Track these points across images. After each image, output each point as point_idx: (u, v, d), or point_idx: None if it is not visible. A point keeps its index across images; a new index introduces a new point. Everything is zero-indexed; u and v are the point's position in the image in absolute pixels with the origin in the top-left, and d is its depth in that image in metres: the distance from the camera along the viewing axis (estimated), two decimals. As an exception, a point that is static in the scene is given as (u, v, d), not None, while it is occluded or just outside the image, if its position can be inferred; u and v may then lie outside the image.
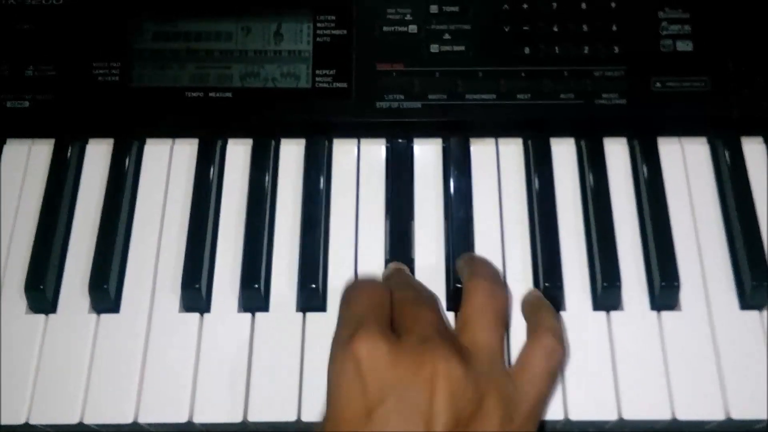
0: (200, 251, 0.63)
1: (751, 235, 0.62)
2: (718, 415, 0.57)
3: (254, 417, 0.58)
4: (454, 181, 0.66)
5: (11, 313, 0.62)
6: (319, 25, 0.69)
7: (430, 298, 0.56)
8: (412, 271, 0.63)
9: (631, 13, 0.69)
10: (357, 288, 0.55)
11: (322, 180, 0.66)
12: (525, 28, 0.68)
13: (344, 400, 0.48)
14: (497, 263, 0.63)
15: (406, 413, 0.46)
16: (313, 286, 0.61)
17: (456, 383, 0.47)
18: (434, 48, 0.68)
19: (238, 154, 0.68)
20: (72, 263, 0.63)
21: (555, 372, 0.54)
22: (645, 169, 0.65)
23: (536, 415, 0.52)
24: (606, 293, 0.60)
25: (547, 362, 0.53)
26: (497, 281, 0.56)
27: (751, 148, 0.66)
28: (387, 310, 0.53)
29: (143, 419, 0.58)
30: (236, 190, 0.66)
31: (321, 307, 0.62)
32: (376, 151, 0.68)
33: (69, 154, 0.67)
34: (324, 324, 0.61)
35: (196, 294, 0.61)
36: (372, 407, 0.47)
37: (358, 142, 0.68)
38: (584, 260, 0.63)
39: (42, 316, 0.62)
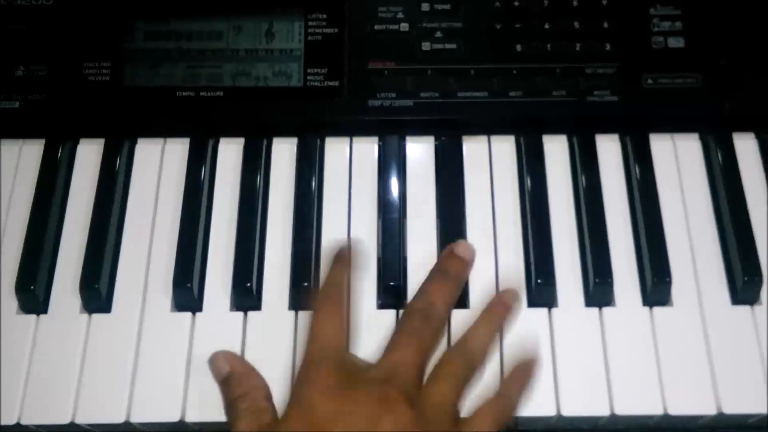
0: (192, 250, 0.63)
1: (742, 230, 0.62)
2: (710, 410, 0.57)
3: (246, 415, 0.58)
4: (446, 179, 0.66)
5: (2, 314, 0.61)
6: (310, 23, 0.69)
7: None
8: (405, 269, 0.63)
9: (622, 10, 0.69)
10: (321, 311, 0.57)
11: (314, 179, 0.66)
12: (517, 25, 0.68)
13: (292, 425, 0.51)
14: (489, 260, 0.63)
15: None
16: (306, 284, 0.61)
17: (402, 424, 0.50)
18: (426, 46, 0.68)
19: (229, 153, 0.67)
20: (63, 263, 0.63)
21: (501, 424, 0.55)
22: (637, 166, 0.65)
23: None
24: (598, 289, 0.60)
25: (493, 418, 0.54)
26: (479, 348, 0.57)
27: (743, 144, 0.66)
28: (343, 340, 0.58)
29: (135, 418, 0.58)
30: (228, 189, 0.66)
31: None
32: (368, 149, 0.68)
33: (60, 154, 0.67)
34: (316, 322, 0.60)
35: (187, 293, 0.61)
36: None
37: (350, 140, 0.68)
38: (576, 257, 0.63)
39: (33, 317, 0.61)
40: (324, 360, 0.54)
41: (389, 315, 0.61)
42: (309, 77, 0.67)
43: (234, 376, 0.57)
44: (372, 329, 0.60)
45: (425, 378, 0.55)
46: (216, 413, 0.58)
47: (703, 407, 0.57)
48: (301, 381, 0.54)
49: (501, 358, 0.59)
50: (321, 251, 0.63)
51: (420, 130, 0.68)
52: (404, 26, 0.69)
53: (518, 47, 0.68)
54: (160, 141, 0.68)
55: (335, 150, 0.68)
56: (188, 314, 0.61)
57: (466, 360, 0.56)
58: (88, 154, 0.68)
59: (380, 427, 0.49)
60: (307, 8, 0.69)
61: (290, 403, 0.53)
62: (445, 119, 0.67)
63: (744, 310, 0.60)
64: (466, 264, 0.60)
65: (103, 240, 0.63)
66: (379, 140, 0.68)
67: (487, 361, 0.57)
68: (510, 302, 0.60)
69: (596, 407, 0.57)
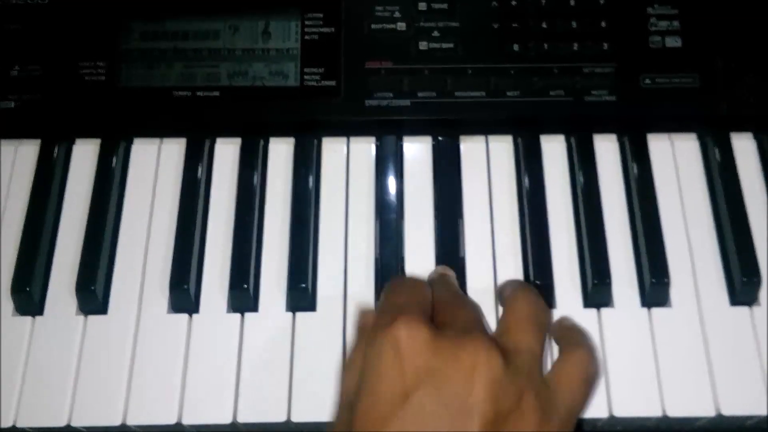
0: (188, 251, 0.62)
1: (741, 231, 0.62)
2: (708, 412, 0.57)
3: (244, 418, 0.58)
4: (444, 179, 0.65)
5: (-2, 316, 0.61)
6: (307, 23, 0.68)
7: (472, 302, 0.57)
8: (402, 270, 0.63)
9: (620, 9, 0.68)
10: (400, 281, 0.55)
11: (311, 179, 0.65)
12: (514, 25, 0.68)
13: (381, 382, 0.47)
14: (488, 261, 0.63)
15: (443, 400, 0.45)
16: (303, 285, 0.61)
17: (496, 377, 0.46)
18: (423, 45, 0.68)
19: (226, 153, 0.67)
20: (59, 264, 0.63)
21: (590, 383, 0.53)
22: (635, 166, 0.65)
23: (571, 422, 0.51)
24: (596, 290, 0.60)
25: (582, 372, 0.52)
26: (540, 296, 0.56)
27: (741, 144, 0.66)
28: (428, 304, 0.53)
29: (132, 421, 0.58)
30: (225, 189, 0.66)
31: (311, 306, 0.61)
32: (365, 149, 0.67)
33: (56, 155, 0.67)
34: (314, 324, 0.60)
35: (184, 295, 0.61)
36: (409, 391, 0.46)
37: (348, 140, 0.68)
38: (575, 257, 0.62)
39: (29, 318, 0.61)
40: (407, 305, 0.50)
41: (387, 316, 0.61)
42: (306, 77, 0.67)
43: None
44: (370, 330, 0.60)
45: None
46: (213, 415, 0.58)
47: (702, 409, 0.57)
48: (382, 325, 0.49)
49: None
50: (318, 252, 0.63)
51: (417, 130, 0.68)
52: (401, 25, 0.68)
53: (515, 47, 0.68)
54: (156, 141, 0.68)
55: (332, 150, 0.67)
56: (185, 316, 0.61)
57: (534, 301, 0.55)
58: (84, 155, 0.67)
59: (476, 377, 0.46)
60: (303, 8, 0.68)
61: (375, 347, 0.48)
62: (443, 119, 0.66)
63: (742, 311, 0.60)
64: None
65: (100, 241, 0.63)
66: (377, 140, 0.68)
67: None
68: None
69: (594, 409, 0.57)
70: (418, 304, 0.51)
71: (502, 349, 0.48)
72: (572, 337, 0.56)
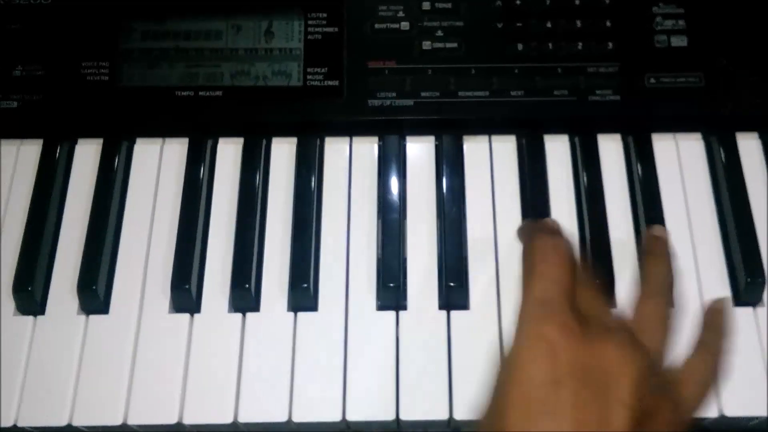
0: (190, 251, 0.62)
1: (745, 231, 0.61)
2: (711, 413, 0.57)
3: (245, 418, 0.58)
4: (446, 179, 0.65)
5: (0, 315, 0.61)
6: (310, 22, 0.68)
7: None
8: (405, 270, 0.62)
9: (625, 8, 0.68)
10: (552, 251, 0.52)
11: (313, 179, 0.65)
12: (518, 24, 0.68)
13: (534, 370, 0.46)
14: (490, 261, 0.62)
15: (592, 393, 0.45)
16: (305, 285, 0.61)
17: (642, 374, 0.46)
18: (426, 45, 0.68)
19: (228, 153, 0.67)
20: (61, 264, 0.63)
21: (713, 386, 0.53)
22: (639, 166, 0.65)
23: (690, 420, 0.51)
24: (602, 290, 0.60)
25: (710, 376, 0.52)
26: (670, 297, 0.55)
27: (746, 143, 0.66)
28: (573, 287, 0.51)
29: (133, 421, 0.58)
30: (227, 189, 0.66)
31: (312, 306, 0.61)
32: (368, 149, 0.67)
33: (58, 155, 0.67)
34: (315, 324, 0.60)
35: (185, 294, 0.61)
36: (560, 381, 0.46)
37: (350, 140, 0.68)
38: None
39: (30, 318, 0.61)
40: (557, 297, 0.49)
41: (389, 316, 0.60)
42: (308, 77, 0.67)
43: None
44: (371, 331, 0.60)
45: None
46: (213, 415, 0.58)
47: (705, 410, 0.56)
48: (532, 319, 0.49)
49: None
50: (320, 252, 0.63)
51: (420, 130, 0.68)
52: (404, 25, 0.68)
53: (519, 46, 0.67)
54: (158, 141, 0.68)
55: (335, 150, 0.67)
56: (186, 316, 0.61)
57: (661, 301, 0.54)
58: (87, 154, 0.67)
59: (622, 378, 0.46)
60: (306, 7, 0.68)
61: (525, 341, 0.48)
62: (446, 119, 0.66)
63: (747, 311, 0.60)
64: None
65: (101, 241, 0.63)
66: (379, 140, 0.67)
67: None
68: (662, 233, 0.59)
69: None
70: (566, 294, 0.50)
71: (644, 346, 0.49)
72: (711, 335, 0.55)
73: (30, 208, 0.64)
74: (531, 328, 0.48)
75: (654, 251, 0.57)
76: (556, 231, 0.54)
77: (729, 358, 0.53)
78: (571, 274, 0.51)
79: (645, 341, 0.50)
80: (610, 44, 0.67)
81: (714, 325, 0.55)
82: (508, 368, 0.48)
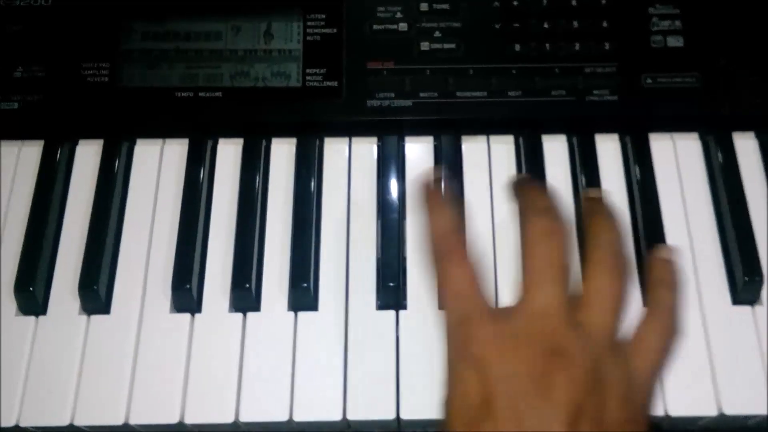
0: (191, 252, 0.62)
1: (742, 230, 0.62)
2: (710, 411, 0.57)
3: (246, 417, 0.58)
4: (445, 180, 0.65)
5: (1, 315, 0.61)
6: (309, 23, 0.68)
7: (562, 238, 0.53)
8: (404, 269, 0.63)
9: (621, 9, 0.69)
10: (449, 268, 0.53)
11: (313, 179, 0.66)
12: (516, 25, 0.68)
13: (465, 389, 0.47)
14: (488, 262, 0.62)
15: (526, 396, 0.46)
16: (305, 285, 0.61)
17: (575, 373, 0.47)
18: (425, 46, 0.68)
19: (228, 153, 0.67)
20: (62, 264, 0.63)
21: (667, 350, 0.52)
22: (637, 166, 0.65)
23: (650, 390, 0.51)
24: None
25: (661, 340, 0.51)
26: (621, 266, 0.53)
27: (743, 143, 0.66)
28: (483, 295, 0.52)
29: (134, 420, 0.58)
30: (227, 189, 0.66)
31: (312, 306, 0.61)
32: (367, 149, 0.67)
33: (59, 156, 0.67)
34: (316, 323, 0.61)
35: (186, 294, 0.61)
36: (492, 393, 0.47)
37: (350, 141, 0.68)
38: (576, 257, 0.62)
39: (32, 318, 0.61)
40: (473, 312, 0.50)
41: (389, 316, 0.61)
42: (308, 77, 0.67)
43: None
44: (371, 330, 0.60)
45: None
46: (214, 415, 0.58)
47: (704, 408, 0.57)
48: (459, 342, 0.50)
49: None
50: (319, 252, 0.63)
51: (419, 130, 0.68)
52: (403, 26, 0.68)
53: (517, 47, 0.68)
54: (158, 142, 0.68)
55: (334, 150, 0.67)
56: (187, 315, 0.61)
57: (611, 274, 0.52)
58: (87, 155, 0.67)
59: (555, 378, 0.46)
60: (305, 8, 0.69)
61: (457, 367, 0.49)
62: (444, 119, 0.66)
63: (744, 310, 0.60)
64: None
65: (102, 241, 0.63)
66: (378, 140, 0.68)
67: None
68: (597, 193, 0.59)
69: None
70: (480, 307, 0.51)
71: (578, 326, 0.49)
72: (658, 294, 0.54)
73: (31, 209, 0.64)
74: (455, 349, 0.50)
75: (594, 210, 0.56)
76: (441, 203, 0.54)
77: (680, 313, 0.53)
78: (473, 272, 0.52)
79: (593, 317, 0.50)
80: (608, 45, 0.67)
81: (660, 280, 0.54)
82: (446, 390, 0.49)
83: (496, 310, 0.51)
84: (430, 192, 0.57)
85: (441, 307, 0.53)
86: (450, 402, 0.48)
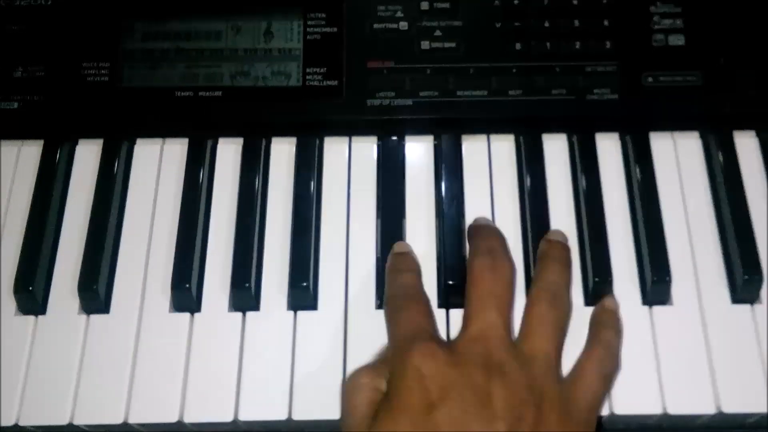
0: (190, 251, 0.62)
1: (742, 229, 0.61)
2: (709, 410, 0.57)
3: (245, 416, 0.58)
4: (445, 179, 0.65)
5: (1, 315, 0.61)
6: (309, 23, 0.68)
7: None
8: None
9: (622, 7, 0.68)
10: (401, 304, 0.57)
11: (313, 179, 0.66)
12: (516, 23, 0.68)
13: (408, 397, 0.50)
14: (489, 260, 0.62)
15: (466, 407, 0.49)
16: (304, 284, 0.61)
17: (513, 386, 0.50)
18: (425, 45, 0.68)
19: (228, 153, 0.67)
20: (62, 264, 0.63)
21: (608, 379, 0.56)
22: (637, 165, 0.65)
23: (591, 420, 0.54)
24: (598, 289, 0.60)
25: (599, 370, 0.55)
26: (560, 291, 0.58)
27: (744, 142, 0.66)
28: (432, 318, 0.57)
29: (133, 419, 0.58)
30: (227, 189, 0.66)
31: (312, 306, 0.61)
32: (367, 149, 0.67)
33: (59, 155, 0.67)
34: (315, 323, 0.61)
35: (186, 294, 0.61)
36: (433, 402, 0.49)
37: (350, 140, 0.68)
38: (576, 256, 0.62)
39: (32, 318, 0.61)
40: (418, 335, 0.53)
41: (388, 315, 0.61)
42: (308, 77, 0.67)
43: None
44: (371, 330, 0.60)
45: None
46: (214, 414, 0.58)
47: (703, 406, 0.57)
48: (401, 352, 0.53)
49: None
50: (319, 251, 0.63)
51: (419, 130, 0.68)
52: (403, 25, 0.68)
53: (518, 46, 0.68)
54: (158, 141, 0.68)
55: (334, 150, 0.67)
56: (187, 315, 0.61)
57: (551, 304, 0.56)
58: (87, 155, 0.67)
59: (493, 390, 0.50)
60: (305, 8, 0.69)
61: (397, 380, 0.52)
62: (445, 118, 0.66)
63: (744, 308, 0.60)
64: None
65: (102, 241, 0.63)
66: (378, 140, 0.68)
67: (570, 303, 0.58)
68: (560, 237, 0.61)
69: (595, 407, 0.57)
70: (425, 328, 0.55)
71: (519, 356, 0.52)
72: (598, 330, 0.58)
73: (31, 209, 0.65)
74: (400, 360, 0.52)
75: (548, 254, 0.60)
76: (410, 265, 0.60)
77: (621, 353, 0.57)
78: (429, 316, 0.56)
79: (533, 342, 0.54)
80: (608, 43, 0.67)
81: (604, 322, 0.58)
82: (388, 399, 0.51)
83: (441, 339, 0.56)
84: (401, 255, 0.61)
85: (387, 319, 0.57)
86: (393, 410, 0.50)
